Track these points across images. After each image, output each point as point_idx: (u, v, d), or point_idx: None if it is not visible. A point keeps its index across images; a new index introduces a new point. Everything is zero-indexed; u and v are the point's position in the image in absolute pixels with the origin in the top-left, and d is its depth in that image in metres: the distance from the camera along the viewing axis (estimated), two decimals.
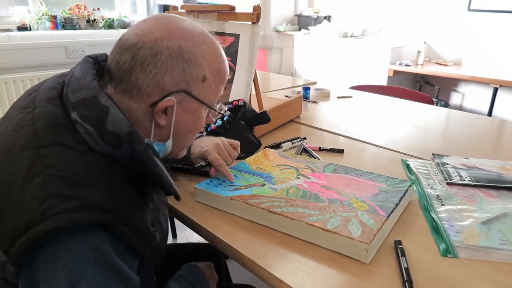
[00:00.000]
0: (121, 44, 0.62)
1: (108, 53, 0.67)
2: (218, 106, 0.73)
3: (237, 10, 1.25)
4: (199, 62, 0.64)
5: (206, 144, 0.92)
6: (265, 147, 1.12)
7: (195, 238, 2.13)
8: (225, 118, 1.08)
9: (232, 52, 1.25)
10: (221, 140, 0.94)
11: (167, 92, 0.62)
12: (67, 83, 0.62)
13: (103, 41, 2.75)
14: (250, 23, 1.21)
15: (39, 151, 0.54)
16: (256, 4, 1.19)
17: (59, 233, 0.50)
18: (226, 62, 0.70)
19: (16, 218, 0.51)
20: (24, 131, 0.57)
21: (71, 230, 0.51)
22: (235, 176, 0.90)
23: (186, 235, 2.16)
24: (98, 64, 0.67)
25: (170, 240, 2.12)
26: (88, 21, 2.81)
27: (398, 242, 0.70)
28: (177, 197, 0.65)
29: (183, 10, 1.35)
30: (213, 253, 1.11)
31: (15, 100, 0.68)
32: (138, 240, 0.57)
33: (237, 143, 0.97)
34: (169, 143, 0.68)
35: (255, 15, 1.18)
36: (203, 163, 0.91)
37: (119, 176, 0.57)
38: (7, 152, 0.56)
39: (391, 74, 3.28)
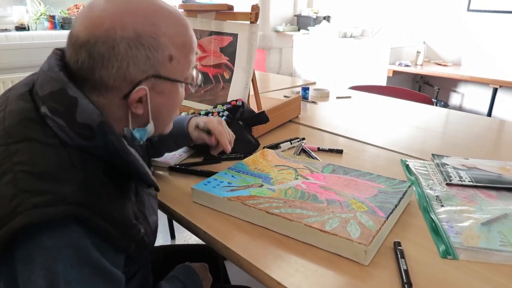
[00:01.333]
0: (73, 41, 0.58)
1: None
2: (193, 74, 0.69)
3: (235, 10, 1.24)
4: (161, 43, 0.59)
5: (208, 118, 0.94)
6: (264, 148, 1.11)
7: (193, 239, 2.12)
8: (223, 118, 1.07)
9: (231, 51, 1.25)
10: (224, 121, 0.96)
11: (136, 82, 0.59)
12: (36, 78, 0.61)
13: None
14: (249, 22, 1.20)
15: (9, 148, 0.53)
16: (255, 4, 1.19)
17: (33, 230, 0.49)
18: (190, 30, 0.65)
19: None
20: None
21: (45, 227, 0.49)
22: (233, 176, 0.89)
23: (184, 236, 2.15)
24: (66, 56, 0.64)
25: (168, 242, 2.11)
26: None
27: (397, 244, 0.69)
28: (156, 188, 0.64)
29: (181, 10, 1.34)
30: (212, 254, 1.10)
31: None
32: (120, 234, 0.56)
33: (232, 135, 0.99)
34: (150, 126, 0.65)
35: (254, 15, 1.18)
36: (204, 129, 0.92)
37: (94, 169, 0.55)
38: None
39: (391, 75, 3.27)
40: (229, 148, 0.89)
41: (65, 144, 0.55)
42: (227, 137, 0.94)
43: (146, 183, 0.64)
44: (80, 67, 0.58)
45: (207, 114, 1.12)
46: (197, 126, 0.94)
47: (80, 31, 0.57)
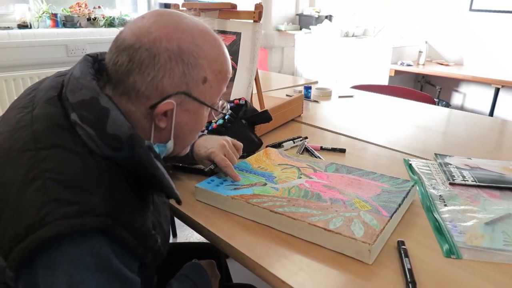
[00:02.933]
0: (118, 44, 0.60)
1: None
2: (220, 103, 0.71)
3: (238, 9, 1.24)
4: (199, 64, 0.61)
5: (211, 145, 0.90)
6: (267, 146, 1.11)
7: (195, 237, 2.12)
8: (226, 117, 1.08)
9: (234, 50, 1.25)
10: (226, 141, 0.93)
11: (166, 94, 0.60)
12: (66, 83, 0.60)
13: (104, 39, 2.75)
14: (252, 21, 1.20)
15: (38, 154, 0.53)
16: (258, 2, 1.19)
17: (59, 239, 0.49)
18: (229, 61, 0.68)
19: (14, 223, 0.50)
20: (23, 132, 0.56)
21: (70, 235, 0.50)
22: None
23: (186, 234, 2.15)
24: (98, 63, 0.65)
25: (170, 239, 2.11)
26: (88, 19, 2.81)
27: (401, 243, 0.69)
28: (178, 201, 0.64)
29: (184, 8, 1.35)
30: (214, 252, 1.10)
31: (15, 98, 0.67)
32: (139, 244, 0.57)
33: (240, 144, 0.96)
34: (170, 143, 0.66)
35: (257, 13, 1.18)
36: (211, 167, 0.89)
37: (119, 179, 0.56)
38: (5, 154, 0.55)
39: (393, 74, 3.27)
40: (239, 178, 0.87)
41: (93, 153, 0.55)
42: (234, 161, 0.91)
43: (166, 195, 0.63)
44: (117, 69, 0.59)
45: (207, 127, 1.11)
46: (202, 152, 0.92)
47: (127, 36, 0.59)
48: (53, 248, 0.50)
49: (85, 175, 0.53)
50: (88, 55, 0.65)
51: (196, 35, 0.61)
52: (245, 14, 1.21)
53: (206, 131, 1.07)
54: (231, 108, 1.11)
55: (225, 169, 0.87)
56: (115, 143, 0.55)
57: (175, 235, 2.14)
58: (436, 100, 3.03)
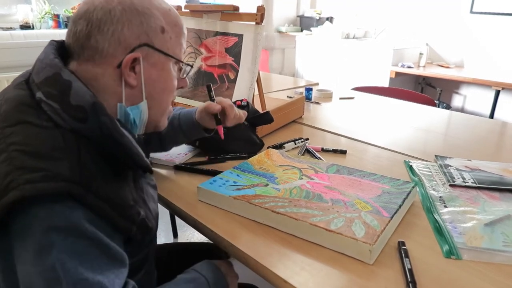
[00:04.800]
0: (73, 17, 0.62)
1: None
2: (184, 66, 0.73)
3: (240, 11, 1.25)
4: (154, 14, 0.64)
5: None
6: (268, 147, 1.12)
7: (196, 237, 2.13)
8: None
9: (236, 52, 1.26)
10: None
11: (130, 48, 0.62)
12: (32, 67, 0.63)
13: None
14: (254, 23, 1.21)
15: (4, 131, 0.54)
16: (260, 5, 1.20)
17: (26, 204, 0.49)
18: (181, 19, 0.70)
19: None
20: None
21: (38, 201, 0.50)
22: (238, 176, 0.90)
23: (187, 235, 2.16)
24: (63, 48, 0.66)
25: (170, 240, 2.12)
26: None
27: (401, 243, 0.70)
28: (149, 170, 0.64)
29: (187, 10, 1.35)
30: (216, 252, 1.11)
31: None
32: (117, 214, 0.56)
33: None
34: (144, 105, 0.67)
35: (259, 16, 1.19)
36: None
37: (89, 151, 0.56)
38: None
39: (393, 76, 3.28)
40: (235, 120, 0.90)
41: (59, 126, 0.55)
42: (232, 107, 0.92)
43: (139, 165, 0.63)
44: (78, 38, 0.61)
45: None
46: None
47: (80, 7, 0.62)
48: (23, 213, 0.50)
49: (52, 146, 0.53)
50: (53, 40, 0.66)
51: None
52: (247, 16, 1.22)
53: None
54: None
55: (229, 107, 0.89)
56: (79, 113, 0.56)
57: (176, 236, 2.14)
58: (436, 102, 3.04)
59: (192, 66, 0.75)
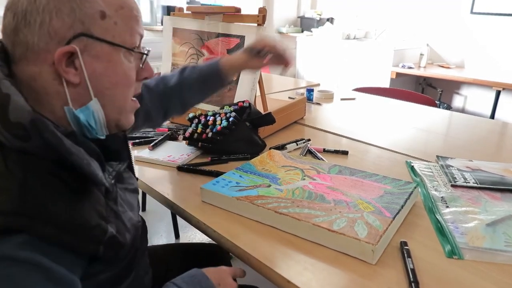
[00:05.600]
0: (3, 13, 0.54)
1: None
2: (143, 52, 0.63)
3: (242, 12, 1.26)
4: None
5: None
6: (270, 148, 1.12)
7: (197, 238, 2.13)
8: (230, 119, 1.09)
9: None
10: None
11: (64, 40, 0.53)
12: None
13: None
14: (256, 25, 1.22)
15: None
16: (262, 6, 1.20)
17: None
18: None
19: None
20: None
21: None
22: (241, 177, 0.90)
23: (188, 236, 2.16)
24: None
25: (172, 241, 2.13)
26: None
27: (403, 243, 0.70)
28: (107, 189, 0.58)
29: (189, 12, 1.36)
30: (218, 253, 1.11)
31: None
32: (75, 238, 0.51)
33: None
34: (94, 104, 0.58)
35: (261, 17, 1.19)
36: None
37: (36, 171, 0.50)
38: None
39: (394, 77, 3.29)
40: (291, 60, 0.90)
41: (3, 146, 0.50)
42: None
43: (93, 181, 0.55)
44: (7, 33, 0.54)
45: (214, 115, 1.14)
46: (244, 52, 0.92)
47: (6, 2, 0.55)
48: None
49: None
50: None
51: None
52: (249, 18, 1.23)
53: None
54: (235, 111, 1.12)
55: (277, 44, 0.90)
56: (20, 131, 0.49)
57: (177, 236, 2.15)
58: (437, 102, 3.04)
59: (148, 52, 0.64)
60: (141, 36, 0.62)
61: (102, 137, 0.61)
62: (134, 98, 0.66)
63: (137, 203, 0.72)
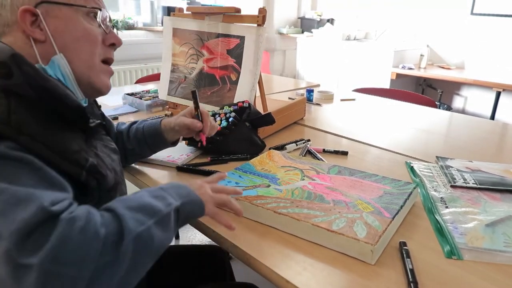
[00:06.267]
0: None
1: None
2: (100, 15, 0.72)
3: (242, 13, 1.26)
4: None
5: (173, 119, 0.94)
6: (270, 149, 1.12)
7: (197, 238, 2.13)
8: (230, 120, 1.09)
9: (237, 54, 1.26)
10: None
11: (25, 7, 0.63)
12: None
13: None
14: (256, 25, 1.22)
15: None
16: (262, 7, 1.20)
17: None
18: None
19: None
20: None
21: None
22: (240, 177, 0.90)
23: (188, 236, 2.16)
24: None
25: (173, 242, 2.13)
26: None
27: (403, 244, 0.70)
28: (82, 112, 0.63)
29: (189, 12, 1.36)
30: (218, 254, 1.12)
31: None
32: (59, 157, 0.56)
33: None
34: (60, 59, 0.67)
35: (261, 18, 1.19)
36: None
37: (20, 105, 0.55)
38: None
39: (394, 77, 3.29)
40: (212, 130, 0.92)
41: None
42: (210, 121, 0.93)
43: (69, 108, 0.61)
44: None
45: (214, 115, 1.14)
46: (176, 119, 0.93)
47: None
48: None
49: None
50: None
51: None
52: (249, 18, 1.23)
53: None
54: (235, 111, 1.13)
55: (206, 116, 0.92)
56: (3, 69, 0.56)
57: (177, 237, 2.15)
58: (437, 103, 3.05)
59: (101, 9, 0.73)
60: (97, 5, 0.72)
61: (80, 98, 0.70)
62: (107, 65, 0.75)
63: (119, 162, 0.78)
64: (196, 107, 0.92)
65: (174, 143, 0.99)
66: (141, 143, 0.96)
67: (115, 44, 0.76)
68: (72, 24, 0.68)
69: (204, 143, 0.92)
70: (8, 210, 0.47)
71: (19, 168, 0.51)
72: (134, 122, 1.01)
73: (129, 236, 0.50)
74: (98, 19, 0.72)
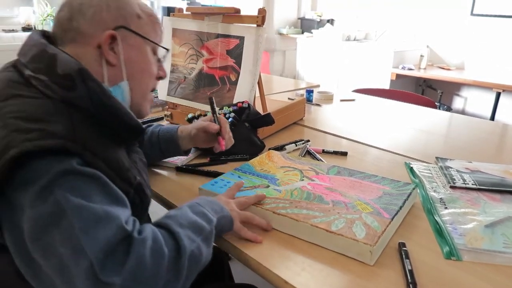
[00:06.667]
0: (58, 9, 0.68)
1: None
2: (162, 55, 0.77)
3: (242, 13, 1.26)
4: (130, 2, 0.70)
5: (191, 124, 0.96)
6: (269, 149, 1.12)
7: None
8: (229, 120, 1.09)
9: (237, 54, 1.26)
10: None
11: (108, 29, 0.66)
12: (18, 53, 0.65)
13: None
14: (255, 25, 1.22)
15: None
16: (262, 7, 1.20)
17: (26, 160, 0.51)
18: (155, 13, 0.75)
19: None
20: None
21: (36, 155, 0.52)
22: (239, 177, 0.90)
23: None
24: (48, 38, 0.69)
25: None
26: None
27: (402, 245, 0.70)
28: (140, 129, 0.67)
29: (189, 12, 1.36)
30: (216, 255, 1.11)
31: None
32: (115, 174, 0.59)
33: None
34: (125, 85, 0.70)
35: (260, 18, 1.19)
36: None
37: (81, 118, 0.58)
38: None
39: (394, 78, 3.29)
40: (229, 142, 0.92)
41: (50, 97, 0.58)
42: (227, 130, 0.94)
43: (130, 125, 0.65)
44: (61, 23, 0.66)
45: None
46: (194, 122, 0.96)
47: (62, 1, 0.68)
48: (22, 168, 0.52)
49: (45, 111, 0.56)
50: (36, 30, 0.71)
51: None
52: (249, 19, 1.23)
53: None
54: (234, 111, 1.12)
55: (224, 123, 0.92)
56: (67, 82, 0.58)
57: None
58: (437, 104, 3.04)
59: (168, 50, 0.79)
60: (161, 42, 0.77)
61: None
62: (152, 93, 0.79)
63: (147, 176, 0.81)
64: (213, 112, 0.92)
65: (186, 152, 1.00)
66: (155, 147, 0.96)
67: (162, 77, 0.80)
68: (142, 56, 0.72)
69: (223, 147, 0.90)
70: (89, 227, 0.49)
71: (90, 183, 0.54)
72: (150, 124, 1.02)
73: (185, 253, 0.56)
74: (159, 55, 0.77)
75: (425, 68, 3.34)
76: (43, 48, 0.62)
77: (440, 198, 0.88)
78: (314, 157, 1.12)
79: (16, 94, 0.57)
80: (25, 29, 2.58)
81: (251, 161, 1.00)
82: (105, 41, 0.66)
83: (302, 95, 1.84)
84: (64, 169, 0.52)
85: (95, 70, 0.65)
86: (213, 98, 0.94)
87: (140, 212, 0.67)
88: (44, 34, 0.68)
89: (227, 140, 0.92)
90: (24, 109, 0.55)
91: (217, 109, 0.94)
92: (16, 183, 0.52)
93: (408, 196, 0.82)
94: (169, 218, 0.61)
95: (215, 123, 0.91)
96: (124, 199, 0.58)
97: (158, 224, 0.59)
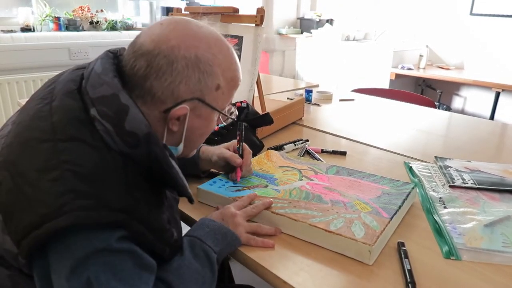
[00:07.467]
0: (136, 49, 0.61)
1: None
2: (227, 108, 0.73)
3: (240, 13, 1.26)
4: (214, 72, 0.63)
5: (214, 149, 0.92)
6: (268, 149, 1.12)
7: None
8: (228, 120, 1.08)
9: None
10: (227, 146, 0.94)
11: (181, 99, 0.62)
12: (86, 76, 0.61)
13: (106, 42, 2.76)
14: (254, 25, 1.21)
15: (57, 145, 0.54)
16: (260, 7, 1.20)
17: (73, 229, 0.51)
18: (240, 68, 0.70)
19: (30, 211, 0.51)
20: (41, 122, 0.57)
21: (85, 227, 0.51)
22: None
23: None
24: (117, 59, 0.65)
25: None
26: (91, 22, 2.82)
27: (401, 244, 0.70)
28: (191, 200, 0.66)
29: (187, 12, 1.36)
30: None
31: (19, 100, 0.69)
32: (155, 238, 0.58)
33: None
34: (181, 146, 0.68)
35: (259, 17, 1.19)
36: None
37: (135, 175, 0.57)
38: (24, 143, 0.56)
39: (393, 78, 3.28)
40: (247, 174, 0.91)
41: (110, 148, 0.56)
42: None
43: (179, 193, 0.66)
44: (135, 73, 0.61)
45: None
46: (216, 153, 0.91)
47: (146, 41, 0.61)
48: (67, 237, 0.51)
49: (102, 170, 0.54)
50: (109, 51, 0.66)
51: (212, 44, 0.64)
52: (247, 18, 1.23)
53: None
54: None
55: (248, 154, 0.90)
56: (132, 140, 0.57)
57: None
58: (436, 103, 3.04)
59: (233, 119, 0.82)
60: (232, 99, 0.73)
61: None
62: None
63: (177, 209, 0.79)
64: (240, 140, 0.90)
65: (204, 172, 0.96)
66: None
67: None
68: (206, 124, 0.69)
69: (238, 179, 0.88)
70: None
71: (123, 260, 0.54)
72: None
73: None
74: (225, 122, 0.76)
75: (424, 68, 3.34)
76: (116, 94, 0.58)
77: (440, 198, 0.88)
78: (313, 157, 1.11)
79: (78, 138, 0.55)
80: (24, 29, 2.57)
81: None
82: (173, 116, 0.62)
83: (301, 95, 1.84)
84: (103, 248, 0.52)
85: (155, 130, 0.62)
86: (244, 125, 0.91)
87: (170, 258, 0.66)
88: (116, 55, 0.65)
89: (245, 172, 0.91)
90: (82, 162, 0.53)
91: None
92: (56, 246, 0.52)
93: (407, 195, 0.82)
94: (171, 273, 0.62)
95: (239, 150, 0.90)
96: (153, 266, 0.58)
97: (162, 279, 0.61)
